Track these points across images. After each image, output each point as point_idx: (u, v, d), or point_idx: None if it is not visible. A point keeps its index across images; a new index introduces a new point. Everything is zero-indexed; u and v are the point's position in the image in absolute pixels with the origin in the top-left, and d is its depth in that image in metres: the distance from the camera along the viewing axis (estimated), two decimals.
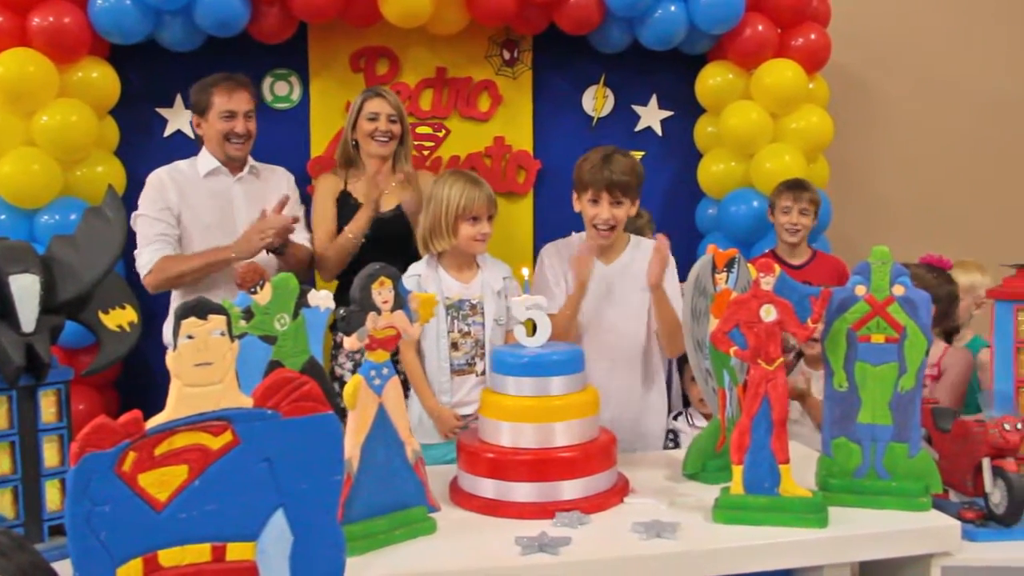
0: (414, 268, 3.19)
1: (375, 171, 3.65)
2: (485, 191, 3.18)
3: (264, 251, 3.54)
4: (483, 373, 3.15)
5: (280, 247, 3.55)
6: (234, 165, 3.72)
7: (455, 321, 3.13)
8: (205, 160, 3.70)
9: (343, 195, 3.79)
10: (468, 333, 3.15)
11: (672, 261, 3.20)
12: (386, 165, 3.82)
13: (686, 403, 3.83)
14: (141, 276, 3.52)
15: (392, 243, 3.63)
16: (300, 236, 3.72)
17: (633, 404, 3.20)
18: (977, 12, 5.38)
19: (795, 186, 4.09)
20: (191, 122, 3.81)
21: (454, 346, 3.14)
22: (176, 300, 3.65)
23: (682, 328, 3.10)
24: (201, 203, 3.61)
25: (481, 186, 3.19)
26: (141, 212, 3.54)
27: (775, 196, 4.15)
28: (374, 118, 3.75)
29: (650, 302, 3.17)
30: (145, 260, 3.52)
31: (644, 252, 3.18)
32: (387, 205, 3.76)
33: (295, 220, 3.57)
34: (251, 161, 3.77)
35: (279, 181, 3.82)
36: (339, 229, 3.72)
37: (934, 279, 3.43)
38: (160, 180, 3.63)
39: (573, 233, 3.35)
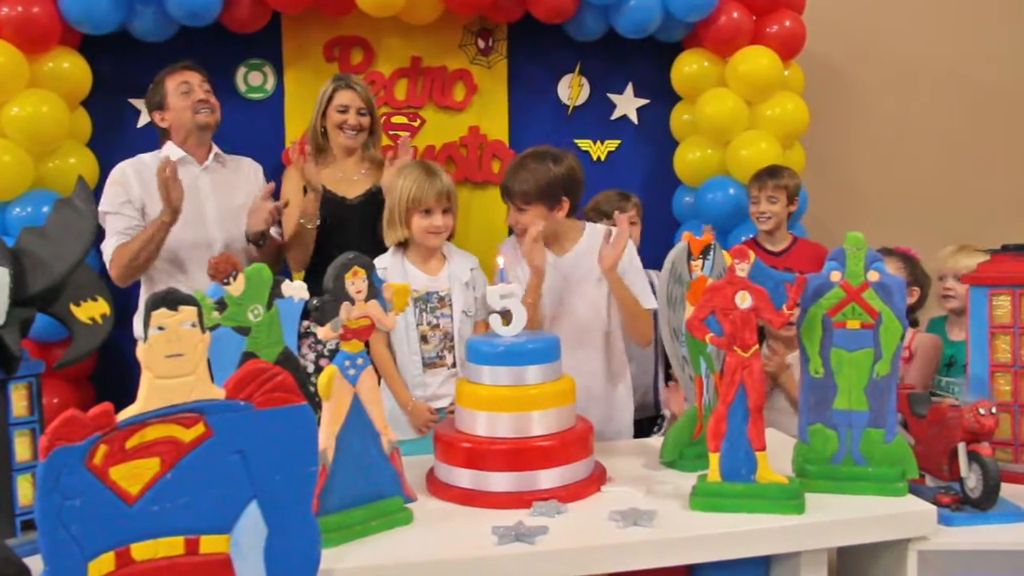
0: (380, 261, 3.16)
1: (302, 159, 3.65)
2: (438, 183, 3.14)
3: (246, 240, 3.58)
4: (454, 365, 3.14)
5: (261, 238, 3.54)
6: (199, 152, 3.69)
7: (423, 314, 3.12)
8: (170, 151, 3.66)
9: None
10: (437, 326, 3.13)
11: (632, 249, 3.20)
12: (355, 153, 3.83)
13: None
14: (109, 271, 3.51)
15: (359, 230, 3.62)
16: (273, 229, 3.70)
17: (596, 396, 3.16)
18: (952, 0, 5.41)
19: (762, 175, 4.08)
20: (152, 121, 3.78)
21: (423, 339, 3.12)
22: (145, 292, 3.63)
23: (648, 314, 3.13)
24: None
25: (435, 178, 3.15)
26: (103, 209, 3.49)
27: (748, 186, 4.16)
28: (343, 111, 3.75)
29: (607, 293, 3.16)
30: (106, 255, 3.51)
31: (598, 239, 3.17)
32: (355, 191, 3.76)
33: (286, 204, 3.60)
34: (216, 149, 3.74)
35: (247, 171, 3.81)
36: None
37: (920, 270, 3.49)
38: (122, 174, 3.59)
39: None
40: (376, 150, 3.91)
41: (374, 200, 3.71)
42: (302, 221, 3.61)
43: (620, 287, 3.09)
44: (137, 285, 3.63)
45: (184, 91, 3.60)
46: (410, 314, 3.07)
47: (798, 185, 4.13)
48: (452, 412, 3.00)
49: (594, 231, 3.24)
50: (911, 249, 3.65)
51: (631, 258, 3.18)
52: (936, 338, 3.56)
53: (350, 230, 3.64)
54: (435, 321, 3.13)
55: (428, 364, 3.12)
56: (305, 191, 3.73)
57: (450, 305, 3.15)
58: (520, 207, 3.12)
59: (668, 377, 3.77)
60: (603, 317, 3.19)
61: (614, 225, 3.67)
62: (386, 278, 3.01)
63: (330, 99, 3.77)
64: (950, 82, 5.40)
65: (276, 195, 3.74)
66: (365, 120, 3.79)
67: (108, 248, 3.50)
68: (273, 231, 3.73)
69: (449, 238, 3.26)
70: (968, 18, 5.42)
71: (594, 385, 3.15)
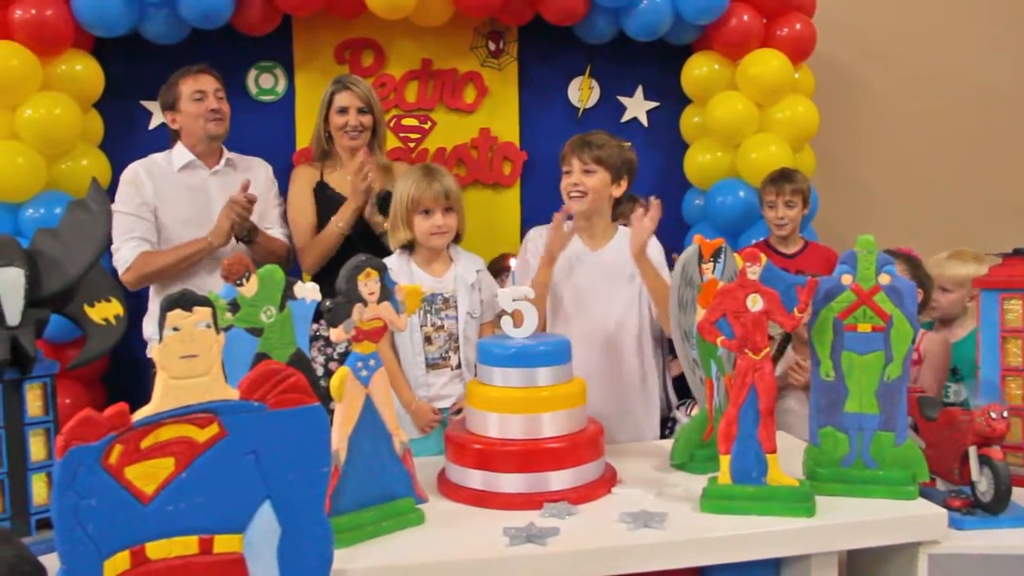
0: (386, 263, 3.17)
1: (358, 162, 3.63)
2: (437, 184, 3.13)
3: (234, 239, 3.57)
4: (458, 367, 3.14)
5: (248, 234, 3.54)
6: (211, 158, 3.72)
7: (428, 315, 3.12)
8: (180, 154, 3.69)
9: (320, 186, 3.79)
10: (441, 327, 3.13)
11: (658, 248, 3.19)
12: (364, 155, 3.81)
13: (684, 394, 3.81)
14: (119, 273, 3.50)
15: (364, 234, 3.63)
16: (276, 230, 3.72)
17: (620, 397, 3.15)
18: (963, 1, 5.39)
19: (778, 179, 4.07)
20: (164, 121, 3.81)
21: (427, 340, 3.12)
22: (155, 295, 3.65)
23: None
24: (177, 197, 3.60)
25: (435, 178, 3.14)
26: (117, 208, 3.51)
27: (761, 190, 4.15)
28: (343, 112, 3.75)
29: (639, 292, 3.14)
30: (124, 257, 3.50)
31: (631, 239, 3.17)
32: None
33: (252, 199, 3.54)
34: (227, 153, 3.77)
35: (257, 172, 3.80)
36: (318, 220, 3.72)
37: (923, 272, 3.49)
38: (136, 174, 3.62)
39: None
40: (382, 154, 3.89)
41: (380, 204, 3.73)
42: (341, 225, 3.62)
43: (650, 271, 3.05)
44: (145, 287, 3.65)
45: (197, 98, 3.62)
46: (414, 315, 3.07)
47: (810, 187, 4.14)
48: (455, 413, 3.03)
49: (626, 233, 3.19)
50: (912, 250, 3.65)
51: (660, 257, 3.17)
52: (946, 339, 3.54)
53: (356, 234, 3.66)
54: (439, 322, 3.13)
55: (431, 365, 3.12)
56: (316, 194, 3.74)
57: (455, 306, 3.15)
58: (588, 167, 3.11)
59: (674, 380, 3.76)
60: (632, 317, 3.16)
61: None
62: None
63: (330, 103, 3.79)
64: (960, 85, 5.39)
65: (283, 196, 3.78)
66: (366, 119, 3.78)
67: (124, 251, 3.51)
68: (280, 233, 3.74)
69: (457, 240, 3.26)
70: (978, 21, 5.41)
71: (617, 385, 3.15)
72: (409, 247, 3.20)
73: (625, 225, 3.55)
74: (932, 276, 3.61)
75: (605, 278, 3.15)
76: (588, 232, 3.20)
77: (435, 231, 3.13)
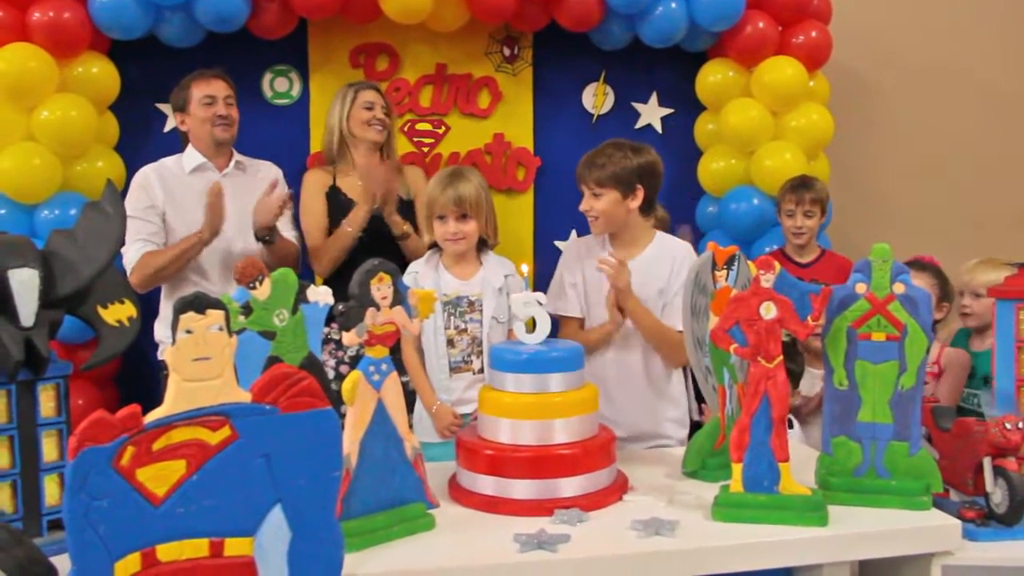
0: (414, 265, 3.19)
1: (371, 164, 3.64)
2: (451, 190, 3.10)
3: (255, 239, 3.60)
4: (481, 371, 3.12)
5: (269, 236, 3.56)
6: (220, 160, 3.75)
7: (451, 318, 3.11)
8: (191, 156, 3.72)
9: (332, 190, 3.82)
10: (464, 330, 3.12)
11: (691, 249, 3.20)
12: (374, 158, 3.85)
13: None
14: (127, 275, 3.52)
15: (378, 237, 3.65)
16: (288, 233, 3.73)
17: (643, 407, 3.15)
18: (978, 9, 5.38)
19: (798, 187, 4.05)
20: (176, 124, 3.84)
21: (450, 343, 3.11)
22: (166, 297, 3.67)
23: (669, 337, 3.09)
24: (187, 199, 3.62)
25: (453, 184, 3.11)
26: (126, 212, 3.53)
27: (780, 197, 4.13)
28: (370, 107, 3.81)
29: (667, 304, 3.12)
30: (129, 259, 3.54)
31: (667, 250, 3.15)
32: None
33: (290, 197, 3.63)
34: (237, 156, 3.79)
35: (267, 175, 3.83)
36: (330, 224, 3.73)
37: (950, 284, 3.48)
38: (146, 178, 3.66)
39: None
40: (392, 158, 3.94)
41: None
42: (349, 229, 3.63)
43: (640, 316, 3.07)
44: (157, 290, 3.67)
45: (207, 103, 3.66)
46: (438, 318, 3.07)
47: (828, 195, 4.13)
48: (476, 419, 3.02)
49: (663, 240, 3.21)
50: (935, 259, 3.63)
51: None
52: (964, 353, 3.53)
53: (368, 238, 3.67)
54: (463, 325, 3.12)
55: (453, 368, 3.12)
56: (329, 199, 3.76)
57: (480, 310, 3.13)
58: (594, 191, 3.11)
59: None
60: None
61: None
62: (417, 282, 3.03)
63: (354, 100, 3.82)
64: (977, 91, 5.37)
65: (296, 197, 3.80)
66: (388, 120, 3.86)
67: (131, 253, 3.53)
68: (291, 235, 3.75)
69: (486, 245, 3.25)
70: (995, 27, 5.40)
71: (641, 394, 3.15)
72: (440, 249, 3.21)
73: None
74: (963, 283, 3.60)
75: (636, 288, 3.09)
76: (620, 242, 3.20)
77: (449, 237, 3.12)
